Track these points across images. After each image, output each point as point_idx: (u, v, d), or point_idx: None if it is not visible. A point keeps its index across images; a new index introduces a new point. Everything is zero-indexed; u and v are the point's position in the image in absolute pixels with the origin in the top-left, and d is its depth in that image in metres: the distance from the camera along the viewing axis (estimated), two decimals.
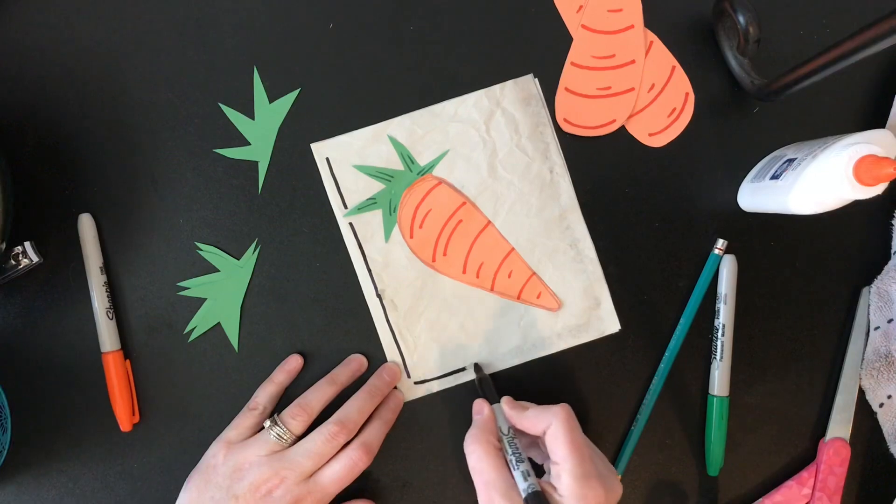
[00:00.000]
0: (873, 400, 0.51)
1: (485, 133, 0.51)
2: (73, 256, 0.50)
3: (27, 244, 0.47)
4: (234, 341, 0.50)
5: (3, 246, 0.45)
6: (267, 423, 0.47)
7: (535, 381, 0.51)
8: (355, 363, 0.50)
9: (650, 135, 0.51)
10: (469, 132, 0.51)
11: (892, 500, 0.49)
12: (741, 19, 0.46)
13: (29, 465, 0.50)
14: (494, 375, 0.51)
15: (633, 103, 0.51)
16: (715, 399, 0.50)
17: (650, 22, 0.51)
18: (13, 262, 0.47)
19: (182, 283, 0.50)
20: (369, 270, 0.51)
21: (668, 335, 0.51)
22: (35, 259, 0.47)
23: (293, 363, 0.50)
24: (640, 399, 0.51)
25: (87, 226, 0.49)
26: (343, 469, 0.46)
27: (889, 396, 0.50)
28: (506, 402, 0.47)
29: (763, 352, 0.52)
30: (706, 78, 0.51)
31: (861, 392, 0.51)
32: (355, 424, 0.47)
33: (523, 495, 0.41)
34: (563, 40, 0.51)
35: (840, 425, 0.50)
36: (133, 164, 0.50)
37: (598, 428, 0.51)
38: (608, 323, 0.51)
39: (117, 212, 0.50)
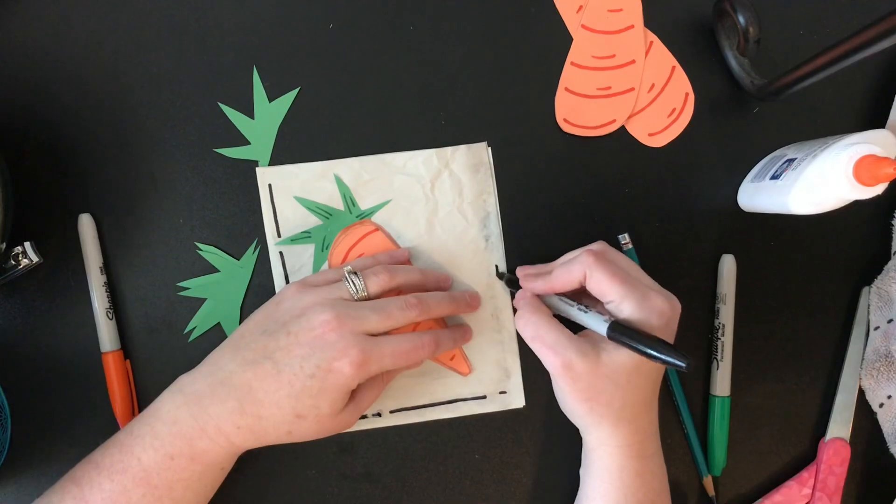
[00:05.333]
0: (873, 400, 0.51)
1: (429, 191, 0.50)
2: (73, 256, 0.50)
3: (27, 244, 0.47)
4: None
5: (3, 246, 0.45)
6: (346, 269, 0.44)
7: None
8: (443, 276, 0.49)
9: (650, 135, 0.51)
10: (414, 187, 0.50)
11: (893, 501, 0.49)
12: (741, 19, 0.46)
13: (29, 465, 0.50)
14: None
15: (633, 103, 0.51)
16: (716, 399, 0.50)
17: (650, 22, 0.51)
18: (13, 262, 0.46)
19: (182, 283, 0.50)
20: None
21: None
22: (35, 259, 0.47)
23: (401, 255, 0.49)
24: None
25: (87, 226, 0.49)
26: (407, 345, 0.42)
27: (889, 396, 0.50)
28: (523, 273, 0.47)
29: (763, 352, 0.52)
30: (706, 78, 0.51)
31: (861, 392, 0.51)
32: (431, 311, 0.44)
33: (605, 328, 0.41)
34: (563, 40, 0.51)
35: (840, 425, 0.51)
36: (133, 164, 0.50)
37: None
38: (514, 397, 0.51)
39: (117, 212, 0.50)
